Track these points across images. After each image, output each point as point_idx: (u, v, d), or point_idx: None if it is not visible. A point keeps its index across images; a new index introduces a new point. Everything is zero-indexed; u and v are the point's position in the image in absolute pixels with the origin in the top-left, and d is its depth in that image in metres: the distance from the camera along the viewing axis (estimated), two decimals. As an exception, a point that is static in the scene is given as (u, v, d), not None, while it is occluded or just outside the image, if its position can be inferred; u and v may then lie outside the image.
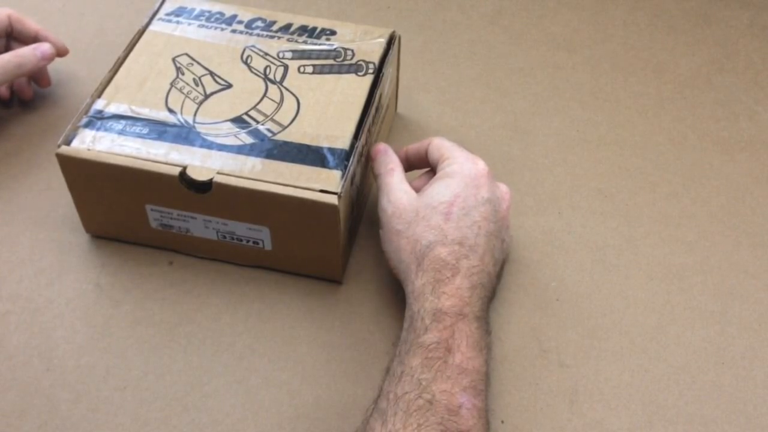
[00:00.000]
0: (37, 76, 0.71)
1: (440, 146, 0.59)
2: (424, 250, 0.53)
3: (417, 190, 0.58)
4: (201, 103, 0.60)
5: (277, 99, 0.60)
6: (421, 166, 0.61)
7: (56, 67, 0.74)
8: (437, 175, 0.57)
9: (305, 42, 0.65)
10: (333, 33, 0.65)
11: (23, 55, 0.66)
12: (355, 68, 0.63)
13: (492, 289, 0.55)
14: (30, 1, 0.82)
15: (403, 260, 0.54)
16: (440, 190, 0.55)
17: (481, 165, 0.57)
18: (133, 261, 0.62)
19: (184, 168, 0.55)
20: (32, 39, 0.70)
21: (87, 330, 0.58)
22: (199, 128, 0.58)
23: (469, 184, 0.55)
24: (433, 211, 0.54)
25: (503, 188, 0.58)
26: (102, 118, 0.59)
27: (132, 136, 0.57)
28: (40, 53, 0.67)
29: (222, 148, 0.57)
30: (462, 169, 0.56)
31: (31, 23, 0.70)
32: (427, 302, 0.51)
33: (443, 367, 0.47)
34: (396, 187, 0.57)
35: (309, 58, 0.63)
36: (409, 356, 0.48)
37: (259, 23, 0.66)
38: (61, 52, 0.71)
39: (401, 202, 0.56)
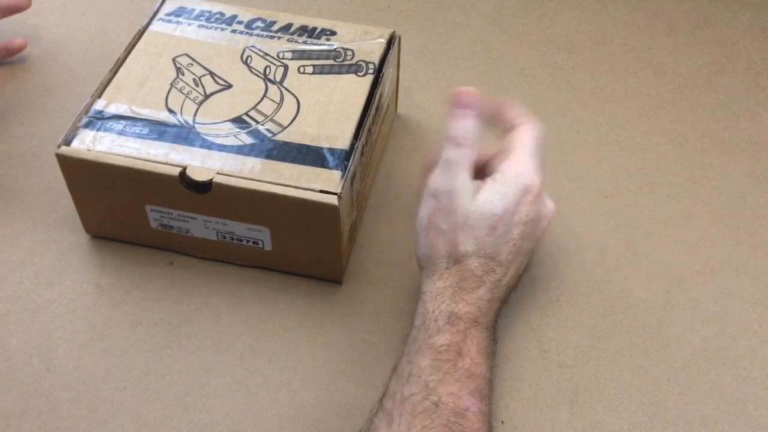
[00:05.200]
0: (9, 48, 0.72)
1: (522, 136, 0.55)
2: (459, 257, 0.52)
3: (480, 164, 0.55)
4: (201, 103, 0.60)
5: (277, 99, 0.60)
6: (496, 126, 0.57)
7: (56, 67, 0.74)
8: (496, 176, 0.53)
9: (305, 42, 0.65)
10: (333, 33, 0.65)
11: None
12: (355, 68, 0.63)
13: (506, 300, 0.55)
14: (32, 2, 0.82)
15: (433, 258, 0.53)
16: (495, 200, 0.52)
17: (536, 181, 0.53)
18: (133, 261, 0.62)
19: (184, 168, 0.55)
20: None
21: (87, 330, 0.58)
22: (199, 128, 0.58)
23: (519, 199, 0.53)
24: (483, 222, 0.52)
25: (549, 207, 0.56)
26: (102, 119, 0.59)
27: (132, 136, 0.57)
28: None
29: (222, 148, 0.57)
30: (519, 180, 0.53)
31: None
32: (443, 304, 0.50)
33: (452, 369, 0.47)
34: (460, 179, 0.52)
35: (309, 58, 0.63)
36: (419, 356, 0.48)
37: (259, 23, 0.66)
38: (22, 6, 0.71)
39: (457, 201, 0.52)
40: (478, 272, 0.51)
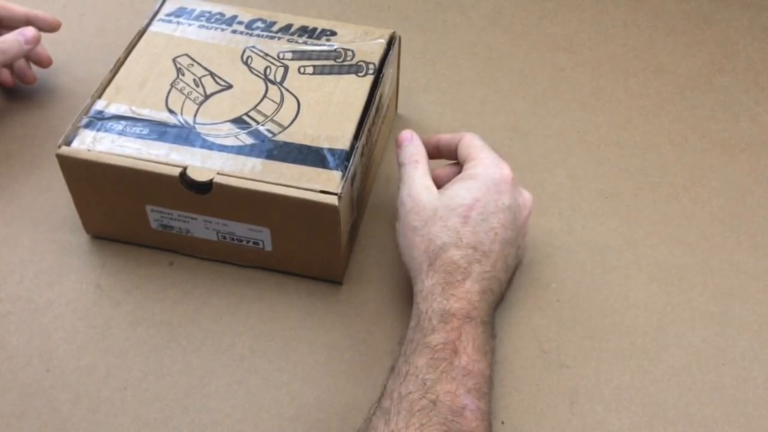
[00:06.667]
0: (35, 59, 0.71)
1: (470, 145, 0.58)
2: (437, 250, 0.53)
3: (441, 179, 0.58)
4: (201, 103, 0.60)
5: (278, 99, 0.60)
6: (451, 157, 0.61)
7: (56, 68, 0.74)
8: (461, 175, 0.56)
9: (305, 43, 0.65)
10: (333, 34, 0.65)
11: (5, 41, 0.66)
12: (356, 69, 0.63)
13: (501, 294, 0.55)
14: (31, 1, 0.81)
15: (416, 258, 0.54)
16: (461, 192, 0.54)
17: (506, 170, 0.56)
18: (133, 262, 0.62)
19: (185, 168, 0.55)
20: (23, 23, 0.69)
21: (87, 331, 0.58)
22: (200, 129, 0.58)
23: (491, 189, 0.55)
24: (451, 212, 0.54)
25: (526, 196, 0.58)
26: (102, 119, 0.59)
27: (132, 136, 0.57)
28: (23, 38, 0.67)
29: (222, 148, 0.57)
30: (486, 173, 0.55)
31: (18, 8, 0.70)
32: (435, 303, 0.50)
33: (448, 368, 0.47)
34: (418, 182, 0.56)
35: (309, 58, 0.63)
36: (415, 356, 0.48)
37: (260, 24, 0.66)
38: (52, 28, 0.71)
39: (421, 199, 0.55)
40: (463, 263, 0.52)
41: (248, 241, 0.59)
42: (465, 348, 0.48)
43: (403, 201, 0.56)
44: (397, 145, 0.60)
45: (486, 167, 0.56)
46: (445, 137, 0.61)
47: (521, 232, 0.57)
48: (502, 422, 0.54)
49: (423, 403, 0.46)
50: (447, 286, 0.51)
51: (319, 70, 0.63)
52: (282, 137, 0.58)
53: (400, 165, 0.59)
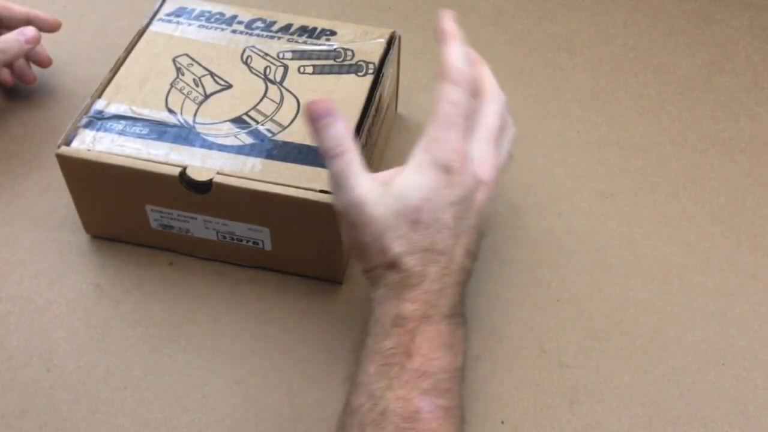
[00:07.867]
0: (34, 59, 0.71)
1: (436, 108, 0.50)
2: (391, 259, 0.49)
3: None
4: (201, 103, 0.60)
5: (277, 99, 0.60)
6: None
7: (56, 68, 0.74)
8: (412, 163, 0.50)
9: (305, 42, 0.65)
10: (333, 33, 0.65)
11: (5, 41, 0.66)
12: (355, 68, 0.63)
13: (468, 273, 0.50)
14: (31, 1, 0.81)
15: (369, 269, 0.50)
16: (411, 190, 0.48)
17: (453, 156, 0.49)
18: (133, 261, 0.62)
19: (184, 168, 0.55)
20: (24, 23, 0.70)
21: (87, 330, 0.58)
22: (199, 128, 0.58)
23: (440, 182, 0.48)
24: (402, 220, 0.48)
25: (480, 175, 0.50)
26: (102, 119, 0.59)
27: (132, 136, 0.57)
28: (23, 38, 0.67)
29: (222, 148, 0.57)
30: (437, 160, 0.49)
31: (18, 8, 0.70)
32: (390, 308, 0.48)
33: (400, 372, 0.45)
34: (356, 183, 0.49)
35: (309, 58, 0.63)
36: (367, 363, 0.47)
37: (260, 24, 0.66)
38: (52, 28, 0.71)
39: (366, 210, 0.48)
40: (417, 267, 0.48)
41: (248, 241, 0.59)
42: (419, 349, 0.46)
43: (347, 212, 0.49)
44: (311, 119, 0.50)
45: (430, 151, 0.49)
46: (458, 69, 0.52)
47: (480, 210, 0.50)
48: (502, 422, 0.54)
49: (372, 416, 0.44)
50: (402, 291, 0.48)
51: (319, 70, 0.63)
52: (282, 137, 0.58)
53: (322, 154, 0.50)
